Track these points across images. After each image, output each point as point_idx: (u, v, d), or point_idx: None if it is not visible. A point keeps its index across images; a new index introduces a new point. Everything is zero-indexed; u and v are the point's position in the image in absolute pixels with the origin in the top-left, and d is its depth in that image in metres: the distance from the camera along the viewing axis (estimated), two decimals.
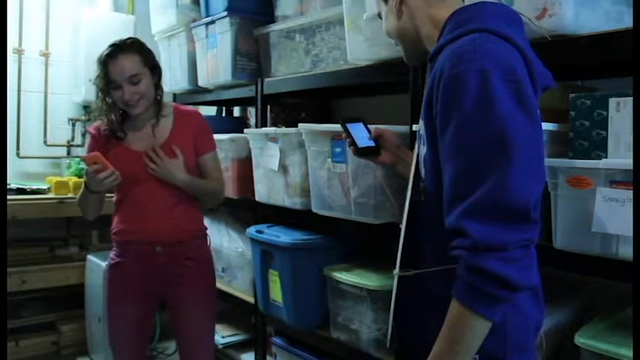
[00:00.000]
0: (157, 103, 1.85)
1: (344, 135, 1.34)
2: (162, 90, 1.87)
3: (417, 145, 1.12)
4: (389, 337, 1.17)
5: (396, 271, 1.09)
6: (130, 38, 1.79)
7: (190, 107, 2.00)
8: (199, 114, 1.96)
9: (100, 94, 1.78)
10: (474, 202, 0.86)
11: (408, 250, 1.08)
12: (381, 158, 1.34)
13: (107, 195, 1.88)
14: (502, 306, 0.88)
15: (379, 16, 1.21)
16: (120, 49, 1.73)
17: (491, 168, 0.85)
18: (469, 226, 0.85)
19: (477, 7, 1.01)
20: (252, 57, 2.37)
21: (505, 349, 0.97)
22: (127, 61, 1.72)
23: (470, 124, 0.88)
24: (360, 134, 1.32)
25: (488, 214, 0.85)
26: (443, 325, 0.91)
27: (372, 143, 1.32)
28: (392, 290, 1.12)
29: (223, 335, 2.65)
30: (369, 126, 1.37)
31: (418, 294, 1.07)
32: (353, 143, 1.31)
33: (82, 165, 3.00)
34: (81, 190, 1.78)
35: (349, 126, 1.32)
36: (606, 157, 1.18)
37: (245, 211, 2.34)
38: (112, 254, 1.91)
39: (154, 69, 1.82)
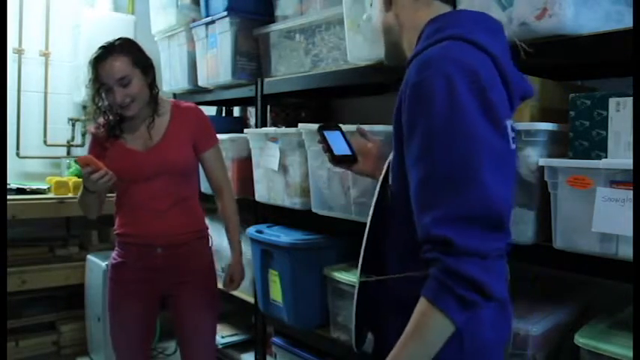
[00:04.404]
0: (153, 103, 1.83)
1: (318, 139, 1.32)
2: (157, 89, 1.84)
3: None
4: (353, 340, 1.17)
5: (357, 277, 1.09)
6: (119, 39, 1.75)
7: (189, 103, 1.99)
8: (197, 109, 1.94)
9: (92, 98, 1.76)
10: (452, 209, 0.85)
11: (375, 255, 1.08)
12: (359, 167, 1.32)
13: (108, 195, 1.88)
14: (468, 312, 0.86)
15: (370, 4, 1.20)
16: (108, 51, 1.70)
17: (463, 175, 0.86)
18: (450, 232, 0.84)
19: (454, 15, 1.02)
20: (252, 57, 2.37)
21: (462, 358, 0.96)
22: (115, 64, 1.69)
23: (437, 130, 0.87)
24: (337, 142, 1.30)
25: (468, 222, 0.85)
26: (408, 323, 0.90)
27: (348, 152, 1.30)
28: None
29: (223, 335, 2.65)
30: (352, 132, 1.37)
31: (383, 298, 1.07)
32: (329, 150, 1.29)
33: None
34: (80, 190, 1.78)
35: (326, 133, 1.30)
36: (606, 157, 1.18)
37: (245, 211, 2.34)
38: (114, 254, 1.91)
39: (146, 69, 1.78)
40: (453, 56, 0.90)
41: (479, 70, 0.90)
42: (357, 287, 1.11)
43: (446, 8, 1.05)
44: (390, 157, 1.12)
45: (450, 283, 0.84)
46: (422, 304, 0.88)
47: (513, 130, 0.99)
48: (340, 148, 1.30)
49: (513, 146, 0.99)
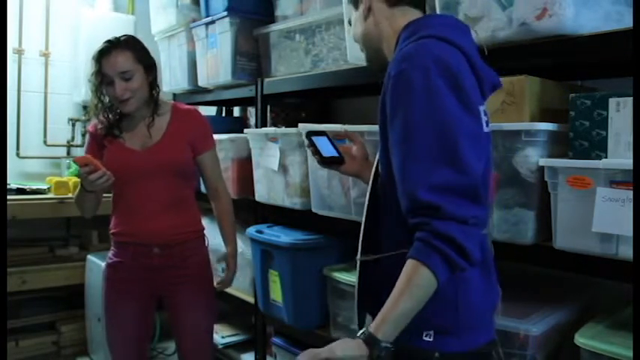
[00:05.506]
0: (153, 102, 1.83)
1: (307, 144, 1.43)
2: (158, 89, 1.85)
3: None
4: (356, 321, 1.23)
5: (358, 257, 1.19)
6: (125, 36, 1.78)
7: (189, 105, 1.99)
8: (197, 112, 1.94)
9: (94, 92, 1.78)
10: (438, 179, 0.96)
11: (372, 240, 1.18)
12: (345, 167, 1.41)
13: (105, 195, 1.88)
14: (450, 272, 0.96)
15: (349, 22, 1.29)
16: (113, 45, 1.74)
17: (445, 150, 0.96)
18: (437, 199, 0.95)
19: (425, 19, 1.15)
20: (252, 57, 2.38)
21: (457, 324, 1.05)
22: (119, 57, 1.72)
23: (417, 113, 0.98)
24: (325, 146, 1.41)
25: (452, 191, 0.96)
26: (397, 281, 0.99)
27: (335, 154, 1.40)
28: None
29: (223, 335, 2.66)
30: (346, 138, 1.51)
31: (380, 278, 1.14)
32: (317, 152, 1.39)
33: None
34: (77, 189, 1.78)
35: (314, 138, 1.41)
36: (606, 157, 1.18)
37: (245, 211, 2.34)
38: (110, 254, 1.90)
39: (149, 67, 1.80)
40: (428, 50, 1.01)
41: (450, 61, 1.01)
42: (357, 267, 1.19)
43: (418, 14, 1.16)
44: (378, 155, 1.19)
45: (436, 243, 0.94)
46: (408, 264, 0.97)
47: (486, 114, 1.09)
48: (328, 150, 1.40)
49: (487, 129, 1.09)
